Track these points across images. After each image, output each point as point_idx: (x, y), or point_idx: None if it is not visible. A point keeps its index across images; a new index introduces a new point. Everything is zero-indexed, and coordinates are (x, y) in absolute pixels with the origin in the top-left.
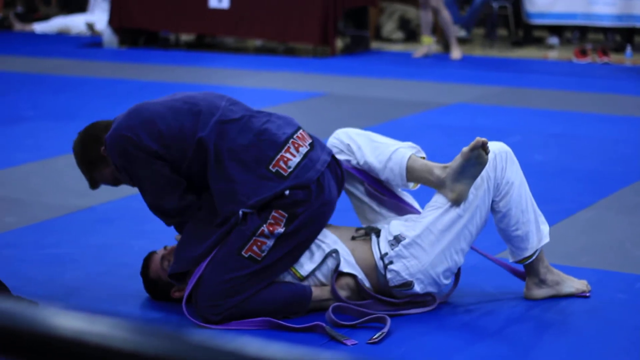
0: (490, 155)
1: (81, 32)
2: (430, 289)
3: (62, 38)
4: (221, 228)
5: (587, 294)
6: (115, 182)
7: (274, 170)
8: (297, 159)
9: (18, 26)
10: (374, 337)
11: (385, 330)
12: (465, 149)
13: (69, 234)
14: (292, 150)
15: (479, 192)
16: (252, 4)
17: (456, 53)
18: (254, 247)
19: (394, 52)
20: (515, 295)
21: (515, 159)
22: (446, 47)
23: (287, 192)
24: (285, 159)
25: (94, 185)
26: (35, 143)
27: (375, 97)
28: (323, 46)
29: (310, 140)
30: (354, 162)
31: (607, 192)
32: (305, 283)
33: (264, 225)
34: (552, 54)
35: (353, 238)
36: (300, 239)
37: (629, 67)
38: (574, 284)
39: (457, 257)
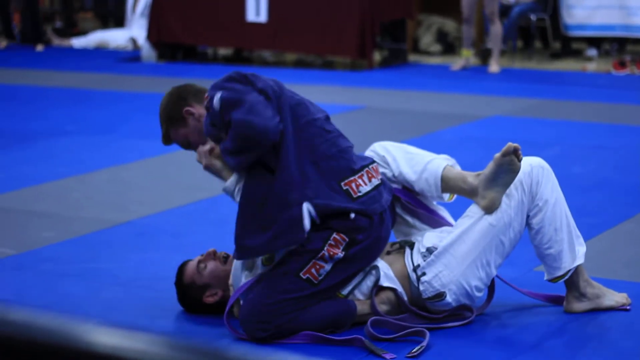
0: (526, 168)
1: (119, 47)
2: (463, 300)
3: (100, 53)
4: (281, 222)
5: (628, 307)
6: (185, 145)
7: (344, 188)
8: (367, 188)
9: (56, 41)
10: (413, 351)
11: (424, 344)
12: (497, 155)
13: (107, 248)
14: (365, 178)
15: (512, 202)
16: (289, 18)
17: (495, 67)
18: (312, 270)
19: (431, 65)
20: (553, 309)
21: (553, 176)
22: (484, 59)
23: (352, 215)
24: (358, 184)
25: (166, 140)
26: (75, 157)
27: (413, 109)
28: (361, 59)
29: (380, 176)
30: (389, 174)
31: None
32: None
33: (325, 249)
34: (591, 66)
35: (388, 253)
36: (356, 267)
37: None
38: (615, 297)
39: (489, 269)
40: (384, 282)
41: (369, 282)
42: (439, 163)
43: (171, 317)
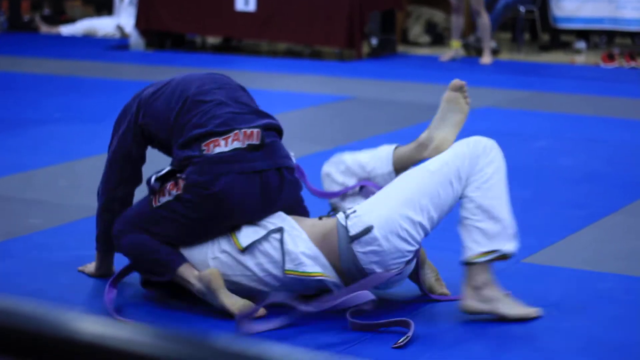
0: (472, 141)
1: (107, 35)
2: (393, 240)
3: (88, 40)
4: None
5: (529, 318)
6: None
7: (202, 149)
8: (224, 149)
9: (44, 28)
10: (399, 342)
11: (410, 334)
12: (444, 94)
13: (94, 235)
14: (230, 140)
15: (452, 165)
16: (278, 7)
17: (487, 58)
18: (156, 197)
19: (420, 56)
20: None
21: (499, 157)
22: (477, 51)
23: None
24: (216, 144)
25: None
26: (62, 145)
27: (402, 100)
28: (349, 49)
29: (257, 142)
30: (347, 174)
31: (635, 198)
32: (247, 256)
33: (167, 185)
34: (580, 59)
35: (320, 218)
36: (205, 221)
37: None
38: (516, 309)
39: (424, 217)
40: (288, 244)
41: (273, 242)
42: (391, 145)
43: (157, 306)
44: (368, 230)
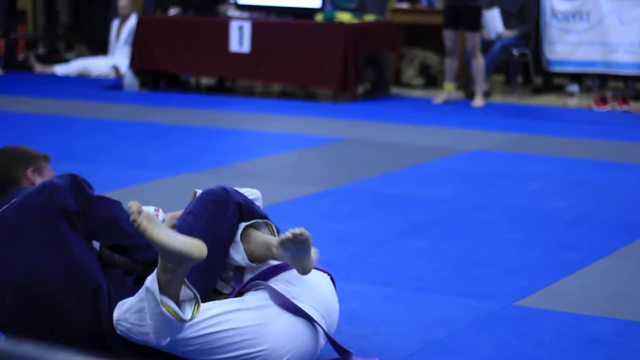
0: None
1: (102, 75)
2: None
3: (83, 80)
4: None
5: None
6: None
7: None
8: None
9: (39, 68)
10: None
11: None
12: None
13: None
14: None
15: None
16: (272, 49)
17: (479, 101)
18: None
19: (414, 98)
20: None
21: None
22: (469, 94)
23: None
24: None
25: None
26: None
27: (395, 142)
28: (343, 91)
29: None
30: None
31: (627, 241)
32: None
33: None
34: (572, 102)
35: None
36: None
37: None
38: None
39: None
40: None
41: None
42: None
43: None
44: None
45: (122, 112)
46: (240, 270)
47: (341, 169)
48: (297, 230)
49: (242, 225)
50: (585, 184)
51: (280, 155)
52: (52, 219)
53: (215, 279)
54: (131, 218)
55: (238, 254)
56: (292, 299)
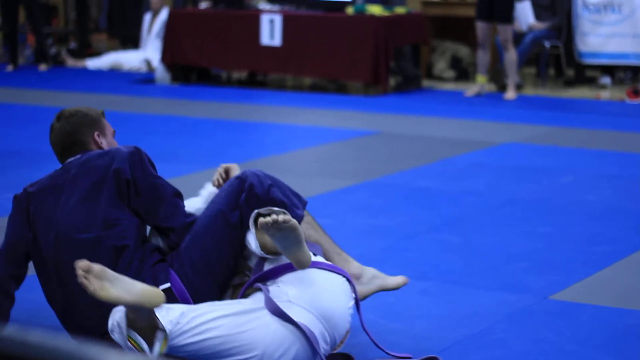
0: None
1: (133, 68)
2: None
3: (114, 74)
4: None
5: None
6: None
7: None
8: None
9: (70, 62)
10: None
11: None
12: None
13: None
14: None
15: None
16: (303, 42)
17: (511, 94)
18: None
19: (445, 91)
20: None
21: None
22: (501, 87)
23: None
24: None
25: None
26: None
27: (427, 135)
28: (375, 84)
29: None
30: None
31: None
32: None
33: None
34: (604, 94)
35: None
36: None
37: None
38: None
39: None
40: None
41: None
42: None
43: None
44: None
45: (154, 105)
46: (262, 260)
47: (373, 162)
48: (281, 217)
49: (255, 212)
50: (618, 176)
51: (312, 148)
52: (105, 179)
53: (230, 256)
54: (79, 280)
55: (252, 243)
56: (287, 302)
